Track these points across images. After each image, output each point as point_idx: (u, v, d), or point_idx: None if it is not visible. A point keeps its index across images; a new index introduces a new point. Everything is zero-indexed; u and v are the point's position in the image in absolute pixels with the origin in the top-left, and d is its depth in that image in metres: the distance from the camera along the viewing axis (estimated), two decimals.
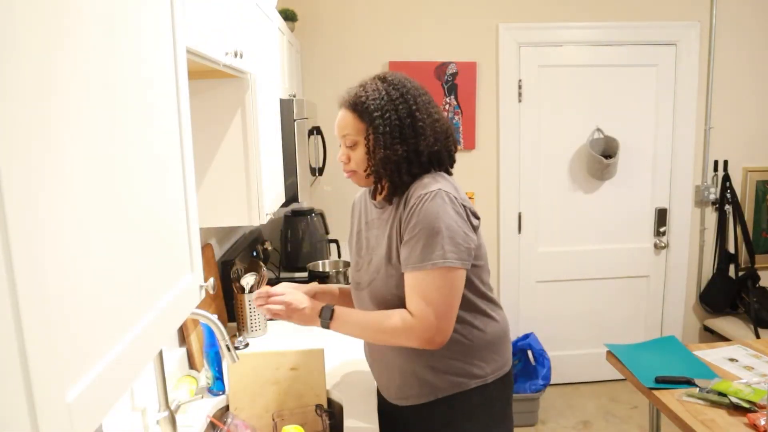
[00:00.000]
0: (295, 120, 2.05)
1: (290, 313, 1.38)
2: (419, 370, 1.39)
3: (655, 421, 2.19)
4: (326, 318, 1.36)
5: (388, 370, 1.45)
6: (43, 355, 0.44)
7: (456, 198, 1.31)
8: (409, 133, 1.34)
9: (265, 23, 1.91)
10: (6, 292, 0.40)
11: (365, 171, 1.38)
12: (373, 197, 1.49)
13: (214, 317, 1.33)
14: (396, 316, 1.30)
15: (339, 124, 1.40)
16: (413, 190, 1.33)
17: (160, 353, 1.32)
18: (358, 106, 1.36)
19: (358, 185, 1.46)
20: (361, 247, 1.49)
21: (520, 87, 3.28)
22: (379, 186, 1.40)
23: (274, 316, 1.40)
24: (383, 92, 1.35)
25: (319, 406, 1.51)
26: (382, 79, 1.39)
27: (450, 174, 1.44)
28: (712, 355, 2.11)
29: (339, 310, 1.37)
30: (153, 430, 1.43)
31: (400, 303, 1.34)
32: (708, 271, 3.53)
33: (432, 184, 1.31)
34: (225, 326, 1.76)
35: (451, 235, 1.27)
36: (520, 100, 3.29)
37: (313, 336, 2.11)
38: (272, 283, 2.62)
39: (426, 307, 1.27)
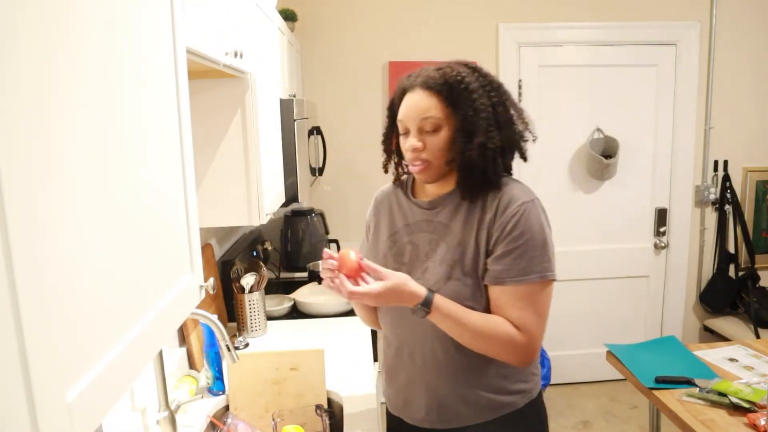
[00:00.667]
0: (295, 120, 2.05)
1: (378, 302, 1.18)
2: (468, 391, 1.26)
3: (655, 421, 2.19)
4: (420, 315, 1.18)
5: (429, 392, 1.29)
6: (43, 355, 0.44)
7: (544, 209, 1.27)
8: (504, 123, 1.23)
9: (265, 23, 1.91)
10: (6, 292, 0.40)
11: (445, 161, 1.22)
12: (413, 195, 1.35)
13: (214, 317, 1.33)
14: (507, 324, 1.19)
15: (417, 106, 1.21)
16: (507, 196, 1.22)
17: (160, 353, 1.32)
18: (446, 87, 1.20)
19: (422, 181, 1.28)
20: (403, 253, 1.31)
21: (520, 87, 3.28)
22: (461, 180, 1.24)
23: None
24: (473, 77, 1.22)
25: (319, 406, 1.51)
26: (466, 64, 1.26)
27: None
28: (712, 355, 2.11)
29: (437, 304, 1.18)
30: (153, 430, 1.43)
31: None
32: (708, 271, 3.53)
33: (529, 192, 1.25)
34: (225, 326, 1.76)
35: (551, 247, 1.24)
36: (520, 100, 3.28)
37: (313, 336, 2.11)
38: (272, 283, 2.63)
39: (532, 323, 1.19)
